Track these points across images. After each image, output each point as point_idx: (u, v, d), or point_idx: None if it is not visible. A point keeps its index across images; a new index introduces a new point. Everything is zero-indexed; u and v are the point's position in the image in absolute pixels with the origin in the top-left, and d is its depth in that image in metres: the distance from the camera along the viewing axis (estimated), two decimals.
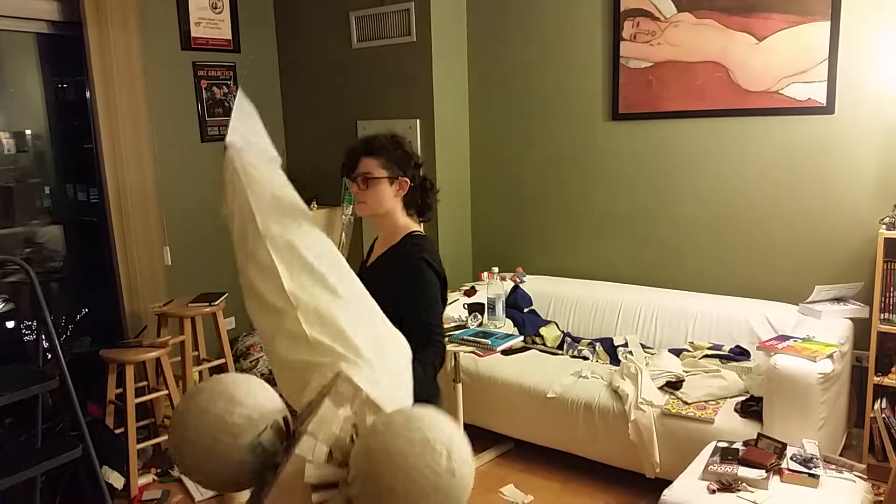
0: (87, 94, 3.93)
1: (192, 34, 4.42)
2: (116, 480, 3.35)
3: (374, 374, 1.37)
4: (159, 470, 3.65)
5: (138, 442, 3.51)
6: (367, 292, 1.59)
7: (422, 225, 2.25)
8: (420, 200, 2.21)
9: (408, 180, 2.14)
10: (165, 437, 3.77)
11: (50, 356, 3.16)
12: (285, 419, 1.33)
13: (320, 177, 4.87)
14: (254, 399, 1.32)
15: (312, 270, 1.48)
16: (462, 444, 1.18)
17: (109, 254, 4.02)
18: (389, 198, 2.13)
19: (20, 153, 4.31)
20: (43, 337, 3.08)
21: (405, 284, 2.05)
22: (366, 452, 1.16)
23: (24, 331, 3.91)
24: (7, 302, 3.53)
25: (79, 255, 4.50)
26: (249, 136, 1.63)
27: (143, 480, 3.52)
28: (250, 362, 4.52)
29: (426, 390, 1.95)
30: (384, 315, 1.57)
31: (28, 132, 4.33)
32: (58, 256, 4.42)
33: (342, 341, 1.40)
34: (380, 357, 1.43)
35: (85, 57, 3.78)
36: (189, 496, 3.42)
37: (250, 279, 1.49)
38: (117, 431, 3.54)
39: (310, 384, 1.36)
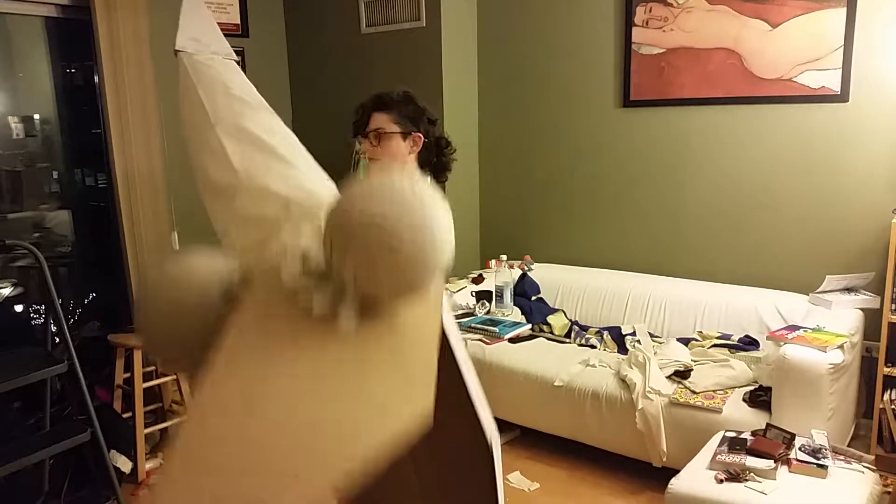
0: (96, 79, 3.92)
1: None
2: (124, 464, 3.36)
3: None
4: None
5: (146, 426, 3.52)
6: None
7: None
8: (436, 159, 2.14)
9: (421, 136, 2.07)
10: (173, 422, 3.79)
11: (58, 340, 3.17)
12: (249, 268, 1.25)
13: (329, 162, 4.82)
14: (210, 256, 1.25)
15: (263, 145, 1.45)
16: (425, 185, 1.13)
17: (118, 239, 4.02)
18: (403, 154, 2.05)
19: (29, 137, 4.31)
20: (51, 321, 3.09)
21: None
22: (336, 214, 1.11)
23: (32, 315, 3.92)
24: (16, 286, 3.54)
25: (87, 239, 4.50)
26: (200, 35, 1.56)
27: (150, 465, 3.54)
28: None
29: None
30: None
31: (36, 117, 4.33)
32: (66, 241, 4.43)
33: (283, 205, 1.36)
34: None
35: (93, 41, 3.77)
36: None
37: (203, 168, 1.46)
38: (125, 416, 3.55)
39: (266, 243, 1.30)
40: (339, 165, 4.86)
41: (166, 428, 3.81)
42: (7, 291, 3.46)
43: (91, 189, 4.50)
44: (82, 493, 3.11)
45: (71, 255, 4.44)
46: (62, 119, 4.44)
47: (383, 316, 1.15)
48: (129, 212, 3.96)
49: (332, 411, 1.06)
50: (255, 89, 1.52)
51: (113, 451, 3.30)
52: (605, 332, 3.75)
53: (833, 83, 3.36)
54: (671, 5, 3.74)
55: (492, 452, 1.36)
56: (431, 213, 1.10)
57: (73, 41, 4.17)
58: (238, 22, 4.62)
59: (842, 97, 3.35)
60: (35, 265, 2.95)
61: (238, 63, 1.57)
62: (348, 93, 4.80)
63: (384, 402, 1.07)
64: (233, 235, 1.38)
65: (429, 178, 2.10)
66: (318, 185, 1.42)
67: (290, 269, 1.16)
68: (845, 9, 3.27)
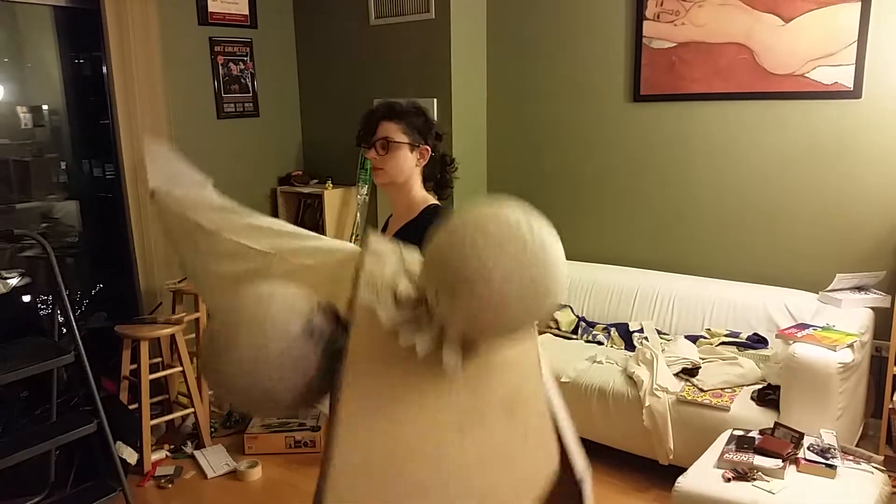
0: (104, 70, 3.91)
1: (210, 9, 4.38)
2: (130, 456, 3.37)
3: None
4: (172, 446, 3.67)
5: (152, 418, 3.53)
6: None
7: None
8: (439, 175, 2.11)
9: (429, 149, 2.03)
10: (178, 414, 3.79)
11: (65, 331, 3.17)
12: (329, 302, 1.22)
13: (336, 156, 4.85)
14: (288, 290, 1.20)
15: (280, 232, 1.48)
16: (537, 219, 1.08)
17: (125, 230, 4.02)
18: (410, 166, 2.01)
19: (37, 128, 4.31)
20: (58, 311, 3.09)
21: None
22: (441, 260, 1.06)
23: (39, 305, 3.92)
24: (23, 276, 3.54)
25: (94, 230, 4.51)
26: (170, 172, 1.65)
27: (156, 456, 3.55)
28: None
29: None
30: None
31: (45, 107, 4.33)
32: (73, 232, 4.43)
33: (332, 254, 1.39)
34: None
35: (102, 32, 3.76)
36: (202, 472, 3.44)
37: (221, 273, 1.48)
38: (131, 407, 3.56)
39: (336, 274, 1.30)
40: (344, 159, 4.88)
41: (172, 420, 3.81)
42: (15, 281, 3.46)
43: (99, 180, 4.49)
44: (88, 484, 3.11)
45: (78, 246, 4.44)
46: (70, 109, 4.43)
47: (482, 353, 1.14)
48: (136, 203, 3.96)
49: (487, 474, 1.09)
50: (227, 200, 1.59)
51: (119, 443, 3.30)
52: (613, 329, 3.74)
53: (846, 79, 3.32)
54: None
55: (582, 494, 1.34)
56: (546, 266, 1.05)
57: (81, 31, 4.16)
58: (246, 13, 4.60)
59: (855, 93, 3.32)
60: (43, 255, 2.95)
61: (213, 187, 1.65)
62: (356, 85, 4.78)
63: (526, 467, 1.12)
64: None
65: (432, 192, 2.09)
66: (345, 245, 1.45)
67: (386, 310, 1.13)
68: (860, 3, 3.23)
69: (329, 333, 1.19)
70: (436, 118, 4.24)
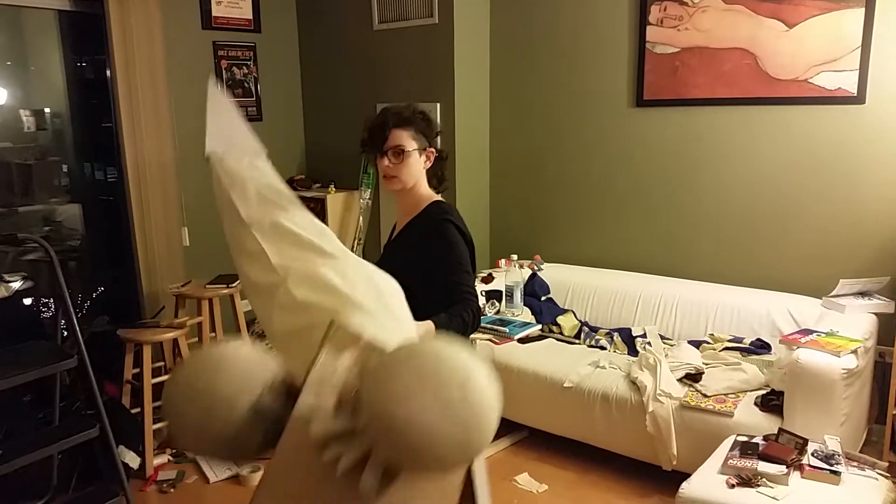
0: (108, 73, 3.92)
1: (213, 13, 4.39)
2: (132, 460, 3.37)
3: (372, 318, 1.32)
4: (175, 451, 3.66)
5: (154, 422, 3.52)
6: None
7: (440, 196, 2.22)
8: (440, 171, 2.18)
9: (434, 151, 2.10)
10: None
11: (67, 334, 3.17)
12: (284, 379, 1.25)
13: (339, 160, 4.85)
14: (244, 363, 1.22)
15: (300, 240, 1.45)
16: (478, 370, 1.06)
17: (127, 233, 4.02)
18: (419, 170, 2.08)
19: (40, 131, 4.32)
20: (61, 315, 3.09)
21: (431, 247, 2.02)
22: (372, 392, 1.07)
23: (42, 309, 3.92)
24: (26, 280, 3.54)
25: (97, 234, 4.51)
26: (228, 135, 1.58)
27: (158, 461, 3.54)
28: (266, 344, 4.52)
29: None
30: (376, 266, 1.51)
31: (47, 110, 4.34)
32: (76, 235, 4.44)
33: (334, 295, 1.35)
34: (379, 301, 1.38)
35: (106, 35, 3.77)
36: (204, 477, 3.43)
37: (244, 272, 1.48)
38: (134, 411, 3.55)
39: (309, 344, 1.30)
40: (348, 163, 4.88)
41: None
42: (17, 285, 3.46)
43: (101, 183, 4.50)
44: (90, 489, 3.11)
45: (80, 249, 4.45)
46: (73, 113, 4.44)
47: (406, 478, 1.13)
48: (139, 206, 3.97)
49: None
50: (285, 186, 1.52)
51: (121, 447, 3.30)
52: (616, 334, 3.73)
53: (850, 85, 3.32)
54: (686, 4, 3.70)
55: None
56: (478, 415, 1.04)
57: (85, 34, 4.17)
58: (250, 17, 4.61)
59: (858, 99, 3.31)
60: (45, 259, 2.95)
61: (267, 158, 1.58)
62: (359, 89, 4.79)
63: None
64: (275, 322, 1.41)
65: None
66: (360, 271, 1.42)
67: (320, 422, 1.14)
68: (863, 9, 3.23)
69: (276, 414, 1.21)
70: (438, 123, 4.27)
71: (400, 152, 2.02)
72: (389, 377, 1.05)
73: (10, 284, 3.43)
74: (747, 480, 2.44)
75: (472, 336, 3.21)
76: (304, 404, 1.17)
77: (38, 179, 4.35)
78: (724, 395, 3.05)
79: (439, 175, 2.18)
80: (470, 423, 1.02)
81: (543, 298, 4.07)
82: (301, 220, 1.49)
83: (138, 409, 3.50)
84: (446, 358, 1.06)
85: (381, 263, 1.55)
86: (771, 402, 2.94)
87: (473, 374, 1.05)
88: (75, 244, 4.42)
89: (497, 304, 3.66)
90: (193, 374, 1.21)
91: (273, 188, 1.52)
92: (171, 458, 3.61)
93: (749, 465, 2.49)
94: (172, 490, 3.33)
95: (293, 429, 1.17)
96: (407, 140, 2.03)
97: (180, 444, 1.22)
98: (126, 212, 3.98)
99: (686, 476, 2.56)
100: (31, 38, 4.28)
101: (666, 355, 3.33)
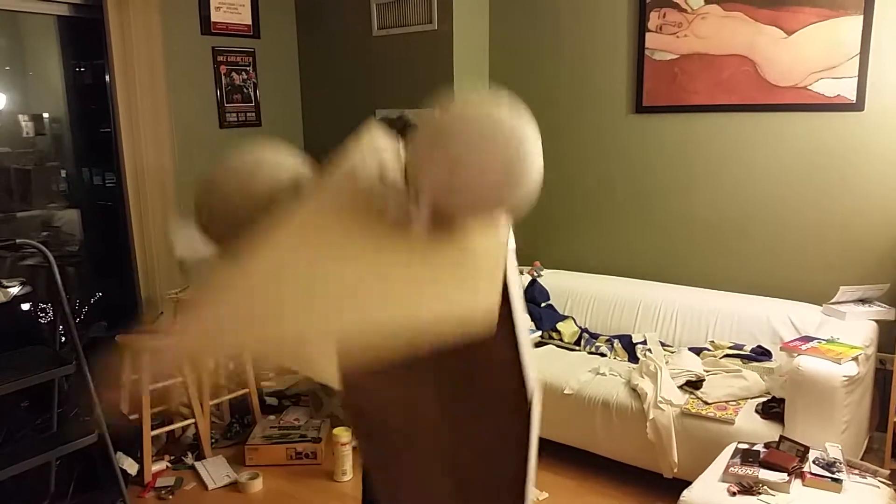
0: (107, 78, 3.91)
1: (213, 19, 4.39)
2: (130, 467, 3.35)
3: None
4: (173, 457, 3.65)
5: (153, 429, 3.51)
6: None
7: None
8: None
9: None
10: (179, 425, 3.77)
11: (65, 340, 3.16)
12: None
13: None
14: (284, 155, 1.34)
15: None
16: (530, 132, 1.16)
17: (126, 238, 4.01)
18: None
19: (38, 136, 4.31)
20: (59, 321, 3.07)
21: None
22: (426, 138, 1.13)
23: (40, 314, 3.91)
24: (24, 285, 3.52)
25: (95, 239, 4.50)
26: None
27: (156, 467, 3.52)
28: None
29: None
30: None
31: (46, 115, 4.33)
32: (74, 240, 4.43)
33: None
34: None
35: (105, 40, 3.76)
36: (202, 484, 3.42)
37: None
38: (132, 418, 3.54)
39: None
40: None
41: (172, 431, 3.79)
42: (15, 290, 3.45)
43: (99, 188, 4.49)
44: (88, 495, 3.10)
45: (79, 255, 4.44)
46: (72, 118, 4.43)
47: (454, 235, 1.17)
48: (137, 211, 3.96)
49: (389, 285, 1.07)
50: None
51: (119, 453, 3.28)
52: (616, 341, 3.72)
53: (848, 91, 3.33)
54: (685, 11, 3.71)
55: (530, 410, 1.33)
56: (523, 151, 1.12)
57: (84, 40, 4.16)
58: (249, 23, 4.61)
59: (857, 106, 3.32)
60: (44, 264, 2.94)
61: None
62: (359, 95, 4.78)
63: (444, 290, 1.08)
64: None
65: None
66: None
67: (367, 173, 1.20)
68: (862, 16, 3.24)
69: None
70: None
71: None
72: (449, 114, 1.13)
73: (9, 290, 3.42)
74: (748, 488, 2.43)
75: None
76: (353, 158, 1.23)
77: (36, 184, 4.34)
78: (725, 402, 3.04)
79: None
80: (519, 171, 1.13)
81: (543, 305, 4.06)
82: None
83: (136, 416, 3.49)
84: (490, 106, 1.15)
85: None
86: (772, 410, 2.94)
87: (518, 117, 1.16)
88: (74, 249, 4.41)
89: None
90: (240, 159, 1.32)
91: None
92: (169, 464, 3.60)
93: (750, 472, 2.48)
94: (171, 497, 3.32)
95: (337, 180, 1.21)
96: None
97: (207, 217, 1.30)
98: (124, 217, 3.97)
99: (687, 484, 2.55)
100: (30, 43, 4.28)
101: (666, 362, 3.33)
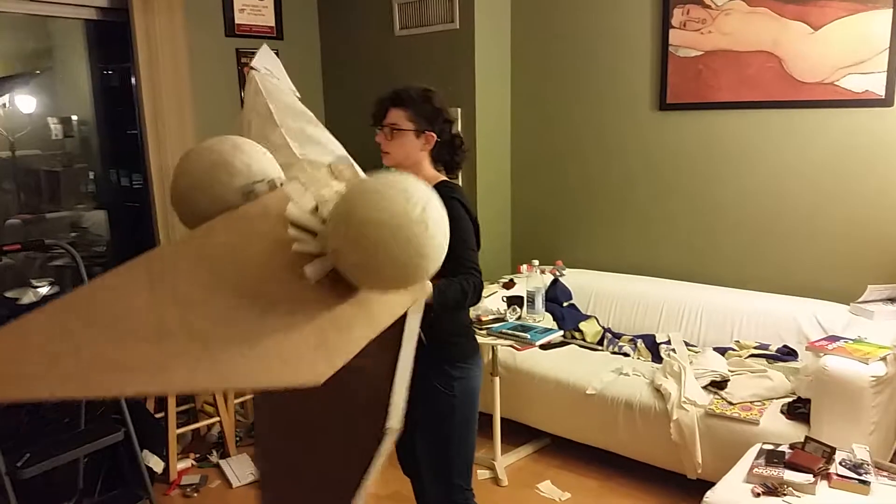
0: (133, 81, 3.96)
1: (236, 21, 4.43)
2: (156, 464, 3.39)
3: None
4: (198, 455, 3.69)
5: (178, 427, 3.55)
6: None
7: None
8: (448, 157, 2.21)
9: (434, 135, 2.13)
10: (204, 423, 3.81)
11: None
12: (282, 183, 1.39)
13: (361, 165, 4.85)
14: (259, 156, 1.38)
15: (320, 143, 1.65)
16: (438, 207, 1.20)
17: (152, 239, 4.06)
18: (415, 151, 2.14)
19: (67, 138, 4.38)
20: None
21: None
22: (345, 197, 1.20)
23: None
24: (53, 285, 3.59)
25: (122, 240, 4.56)
26: (273, 70, 1.81)
27: (182, 465, 3.56)
28: None
29: (456, 322, 2.07)
30: None
31: (74, 118, 4.40)
32: (102, 241, 4.49)
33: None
34: None
35: (131, 43, 3.82)
36: (227, 482, 3.45)
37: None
38: (157, 416, 3.58)
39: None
40: (370, 167, 4.86)
41: (198, 429, 3.84)
42: (45, 290, 3.51)
43: (126, 190, 4.55)
44: (115, 492, 3.14)
45: (106, 255, 4.50)
46: (99, 120, 4.50)
47: (348, 291, 1.24)
48: (163, 212, 4.00)
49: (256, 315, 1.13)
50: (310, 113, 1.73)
51: (145, 451, 3.33)
52: (639, 340, 3.70)
53: (877, 87, 3.27)
54: (709, 7, 3.67)
55: (380, 446, 1.34)
56: (427, 241, 1.17)
57: (111, 43, 4.22)
58: (273, 24, 4.64)
59: (886, 101, 3.26)
60: (72, 264, 2.99)
61: (298, 98, 1.79)
62: (381, 95, 4.79)
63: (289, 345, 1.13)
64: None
65: (443, 171, 2.23)
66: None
67: (299, 206, 1.27)
68: (891, 10, 3.18)
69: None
70: (460, 127, 4.27)
71: (393, 130, 2.12)
72: (364, 191, 1.19)
73: (38, 290, 3.48)
74: (773, 489, 2.40)
75: (487, 336, 3.22)
76: (292, 188, 1.32)
77: (65, 186, 4.41)
78: (750, 402, 3.01)
79: (447, 161, 2.21)
80: (420, 241, 1.16)
81: (565, 304, 4.05)
82: (323, 135, 1.69)
83: (162, 414, 3.53)
84: (414, 187, 1.19)
85: None
86: (797, 410, 2.90)
87: (433, 203, 1.19)
88: (101, 250, 4.47)
89: (518, 309, 3.64)
90: (215, 142, 1.38)
91: (305, 111, 1.72)
92: (194, 462, 3.64)
93: (775, 473, 2.45)
94: (196, 494, 3.35)
95: (278, 196, 1.30)
96: (402, 120, 2.12)
97: (172, 196, 1.39)
98: (151, 218, 4.02)
99: (711, 485, 2.53)
100: (59, 47, 4.35)
101: (690, 362, 3.30)
